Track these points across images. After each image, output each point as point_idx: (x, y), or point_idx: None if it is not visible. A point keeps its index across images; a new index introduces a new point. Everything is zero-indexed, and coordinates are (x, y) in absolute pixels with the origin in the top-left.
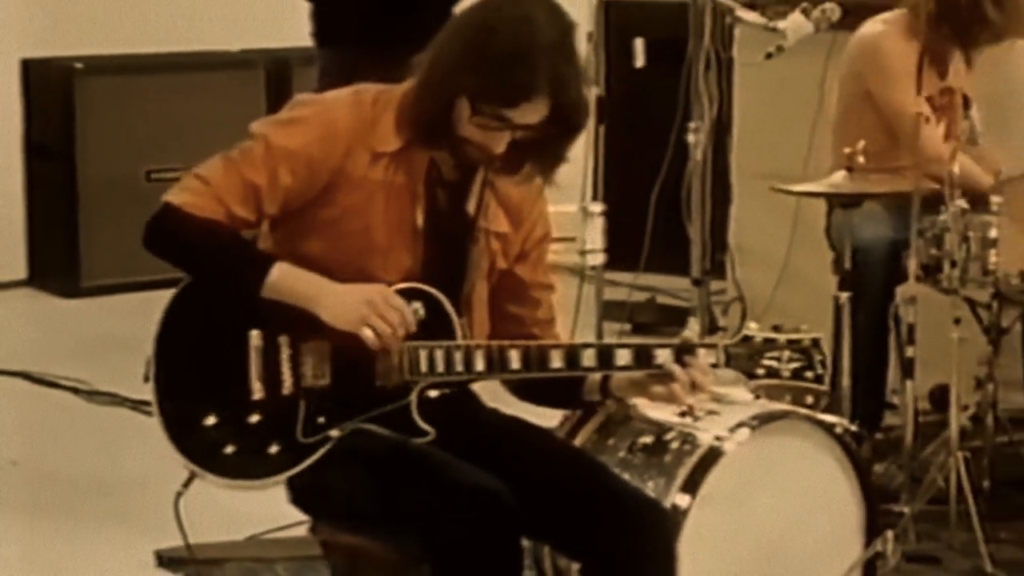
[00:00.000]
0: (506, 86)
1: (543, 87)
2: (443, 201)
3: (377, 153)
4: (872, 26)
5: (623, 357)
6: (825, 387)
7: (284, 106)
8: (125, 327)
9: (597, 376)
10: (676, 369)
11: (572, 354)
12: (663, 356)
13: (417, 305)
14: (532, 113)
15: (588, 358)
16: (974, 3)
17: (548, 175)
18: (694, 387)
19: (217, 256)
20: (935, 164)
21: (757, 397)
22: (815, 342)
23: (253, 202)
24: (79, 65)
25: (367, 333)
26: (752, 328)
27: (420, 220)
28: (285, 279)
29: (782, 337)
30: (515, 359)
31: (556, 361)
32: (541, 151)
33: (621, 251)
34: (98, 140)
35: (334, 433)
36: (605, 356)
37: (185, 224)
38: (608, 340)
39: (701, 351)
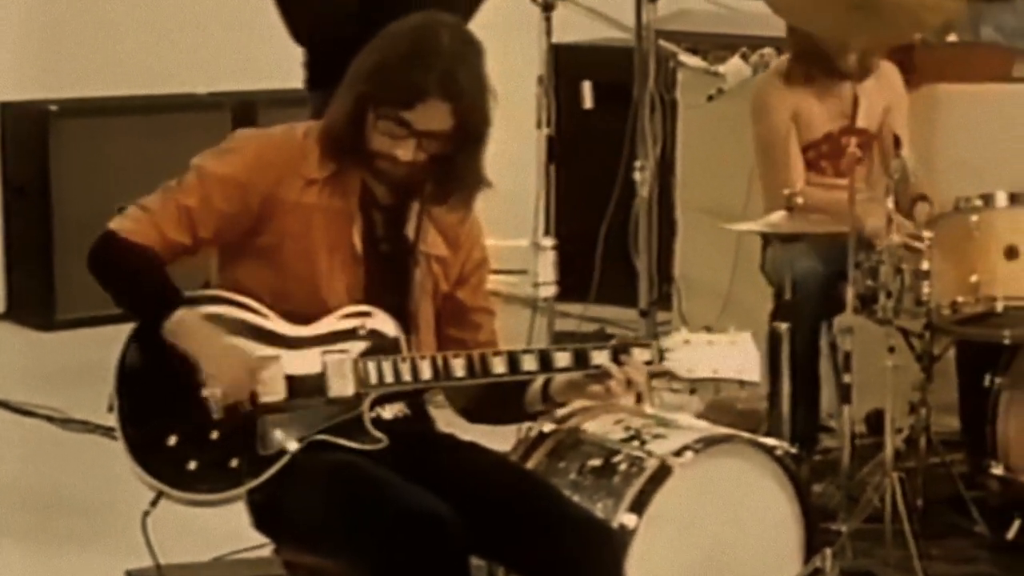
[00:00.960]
0: (401, 86)
1: (436, 88)
2: (380, 224)
3: (309, 179)
4: (762, 76)
5: (563, 359)
6: (755, 380)
7: None
8: (98, 358)
9: (538, 385)
10: (612, 367)
11: (513, 359)
12: (600, 357)
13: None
14: (431, 117)
15: (529, 362)
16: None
17: (470, 195)
18: (630, 384)
19: (133, 285)
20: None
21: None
22: (745, 340)
23: (187, 226)
24: (54, 108)
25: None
26: (685, 332)
27: (358, 242)
28: (179, 328)
29: (713, 337)
30: (459, 367)
31: (499, 367)
32: (451, 166)
33: (572, 283)
34: (72, 179)
35: (292, 446)
36: (545, 359)
37: (117, 249)
38: None
39: (636, 350)
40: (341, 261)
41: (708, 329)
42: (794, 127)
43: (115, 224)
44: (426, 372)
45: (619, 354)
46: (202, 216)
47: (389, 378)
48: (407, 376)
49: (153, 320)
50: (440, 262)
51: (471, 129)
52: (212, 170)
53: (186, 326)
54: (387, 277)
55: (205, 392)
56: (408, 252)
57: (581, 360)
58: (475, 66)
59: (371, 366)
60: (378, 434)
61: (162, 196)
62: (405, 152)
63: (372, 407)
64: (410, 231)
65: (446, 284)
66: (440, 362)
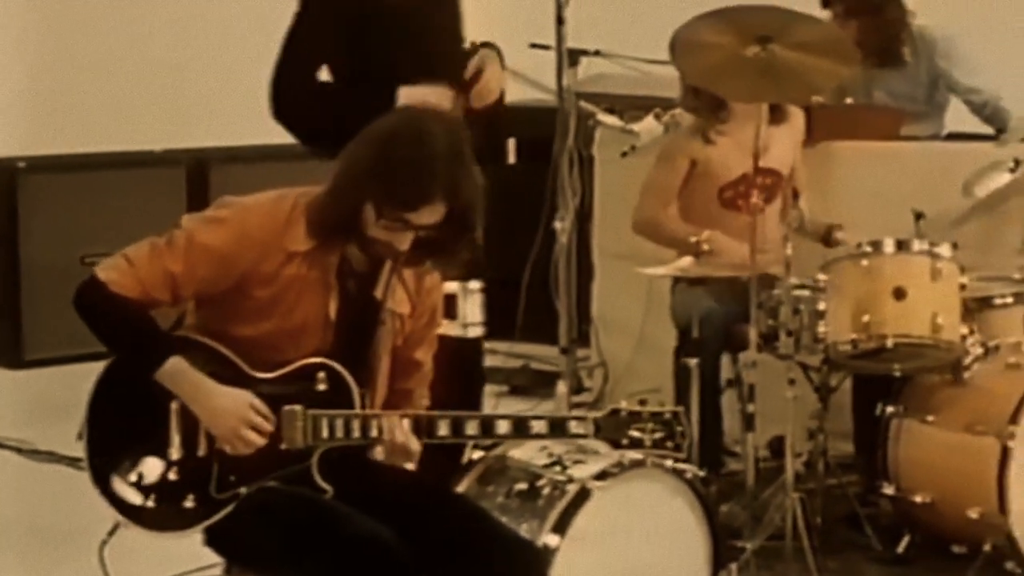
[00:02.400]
0: (406, 193)
1: (439, 192)
2: (354, 290)
3: (291, 253)
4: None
5: (503, 427)
6: (683, 455)
7: (209, 202)
8: (63, 395)
9: None
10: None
11: (457, 424)
12: (539, 426)
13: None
14: (431, 215)
15: (471, 427)
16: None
17: (449, 270)
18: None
19: (123, 334)
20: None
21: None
22: (675, 415)
23: (170, 288)
24: (22, 164)
25: (231, 447)
26: (621, 403)
27: (333, 311)
28: (174, 375)
29: (646, 410)
30: (404, 427)
31: (443, 429)
32: (441, 248)
33: (498, 323)
34: (39, 229)
35: (243, 490)
36: (487, 426)
37: (104, 298)
38: (488, 402)
39: (574, 423)
40: (313, 326)
41: (642, 402)
42: (692, 174)
43: (102, 274)
44: (374, 429)
45: (557, 425)
46: (185, 281)
47: (340, 434)
48: (356, 433)
49: (145, 366)
50: (402, 319)
51: (465, 220)
52: (199, 240)
53: (182, 376)
54: (353, 337)
55: (229, 447)
56: (376, 312)
57: (521, 428)
58: (469, 164)
59: (324, 421)
60: (324, 485)
61: (149, 253)
62: (403, 243)
63: None
64: (379, 291)
65: (400, 339)
66: (389, 423)
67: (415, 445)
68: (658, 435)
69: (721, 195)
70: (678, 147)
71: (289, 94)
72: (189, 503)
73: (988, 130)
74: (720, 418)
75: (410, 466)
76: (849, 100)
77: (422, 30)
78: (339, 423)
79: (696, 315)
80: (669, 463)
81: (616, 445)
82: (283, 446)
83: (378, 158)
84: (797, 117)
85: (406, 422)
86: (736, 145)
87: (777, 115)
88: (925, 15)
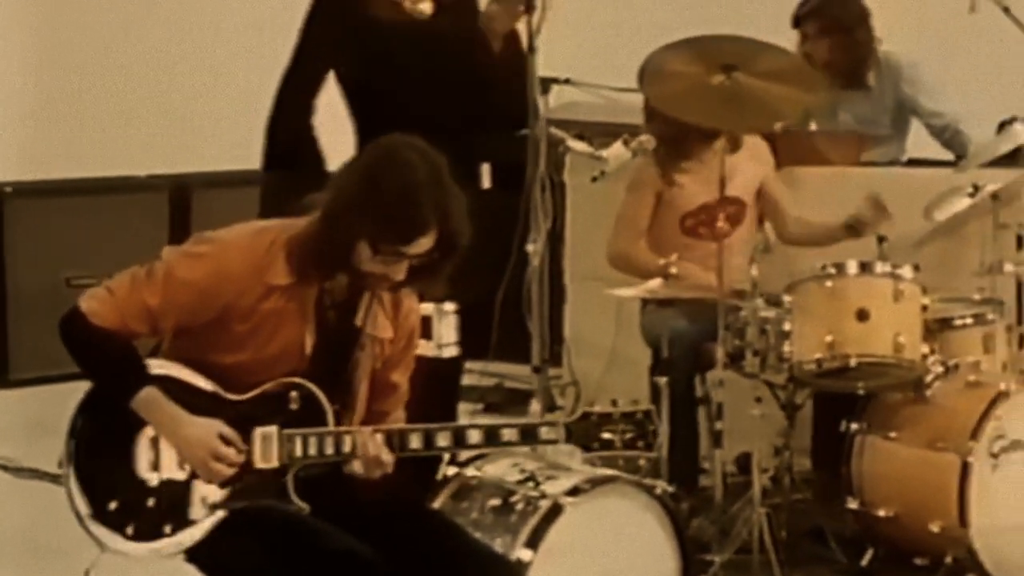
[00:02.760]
0: (401, 228)
1: (431, 220)
2: (333, 319)
3: (271, 287)
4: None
5: (474, 436)
6: (654, 453)
7: (191, 226)
8: (47, 413)
9: None
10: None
11: (429, 436)
12: (509, 434)
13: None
14: (425, 243)
15: (443, 438)
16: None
17: (434, 291)
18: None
19: (103, 364)
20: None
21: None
22: (647, 414)
23: (148, 321)
24: (8, 189)
25: (202, 476)
26: (593, 406)
27: (309, 344)
28: (148, 405)
29: (617, 411)
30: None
31: (415, 442)
32: (430, 271)
33: (472, 343)
34: (25, 252)
35: (221, 513)
36: (459, 436)
37: (85, 330)
38: (463, 419)
39: (543, 429)
40: (289, 355)
41: (614, 403)
42: (658, 205)
43: (84, 305)
44: (348, 446)
45: (528, 432)
46: (164, 314)
47: (313, 451)
48: (330, 450)
49: (120, 395)
50: (382, 344)
51: (453, 241)
52: (179, 274)
53: (155, 407)
54: (331, 362)
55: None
56: (355, 338)
57: (492, 437)
58: (451, 186)
59: (297, 440)
60: (301, 503)
61: (130, 286)
62: (399, 273)
63: None
64: (359, 318)
65: (380, 363)
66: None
67: (387, 456)
68: (629, 435)
69: (683, 223)
70: (643, 180)
71: (284, 140)
72: (168, 528)
73: (948, 156)
74: (696, 435)
75: (376, 476)
76: (814, 125)
77: (436, 58)
78: (312, 441)
79: (666, 335)
80: (640, 480)
81: (587, 448)
82: (258, 466)
83: (366, 196)
84: (761, 147)
85: (379, 436)
86: (697, 176)
87: (732, 144)
88: (890, 42)
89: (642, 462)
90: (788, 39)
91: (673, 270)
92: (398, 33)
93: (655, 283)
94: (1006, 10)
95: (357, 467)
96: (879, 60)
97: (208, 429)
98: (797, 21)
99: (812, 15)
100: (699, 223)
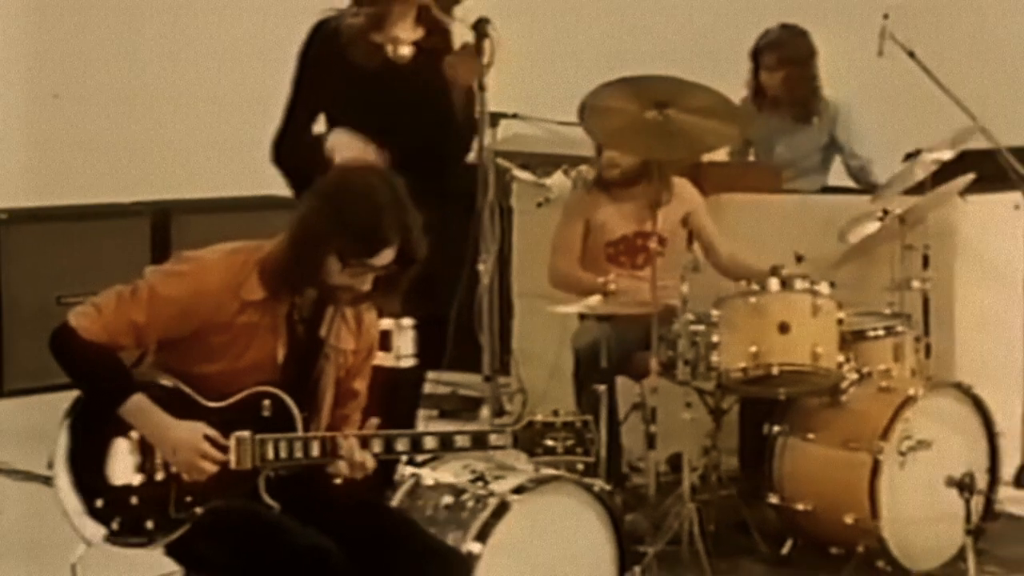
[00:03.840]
0: (368, 242)
1: (394, 236)
2: (301, 332)
3: (245, 302)
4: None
5: (430, 442)
6: (592, 459)
7: (171, 248)
8: (40, 420)
9: None
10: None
11: (389, 441)
12: (463, 440)
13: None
14: (388, 255)
15: (402, 443)
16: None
17: (392, 302)
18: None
19: (92, 375)
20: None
21: (537, 468)
22: (585, 423)
23: (133, 335)
24: (3, 216)
25: (187, 475)
26: (536, 416)
27: (281, 355)
28: (135, 412)
29: (559, 420)
30: (344, 446)
31: (376, 447)
32: (391, 284)
33: (428, 355)
34: (19, 272)
35: (198, 510)
36: (416, 441)
37: (74, 344)
38: (420, 424)
39: (493, 436)
40: (262, 365)
41: (555, 412)
42: (588, 231)
43: (73, 321)
44: (315, 450)
45: (479, 439)
46: (147, 329)
47: (284, 454)
48: (299, 454)
49: (109, 404)
50: (345, 355)
51: (412, 253)
52: (161, 292)
53: (142, 413)
54: (300, 371)
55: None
56: (318, 349)
57: (446, 443)
58: (409, 204)
59: (269, 444)
60: (271, 502)
61: (116, 303)
62: (365, 284)
63: None
64: (323, 331)
65: (343, 372)
66: (328, 442)
67: (371, 461)
68: (569, 442)
69: (606, 251)
70: (573, 208)
71: (288, 146)
72: (149, 524)
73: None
74: (619, 437)
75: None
76: (752, 155)
77: (414, 96)
78: (283, 445)
79: (604, 347)
80: (580, 479)
81: (532, 454)
82: (233, 467)
83: (334, 215)
84: (686, 188)
85: (354, 441)
86: (618, 210)
87: (663, 198)
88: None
89: (580, 466)
90: (715, 76)
91: (611, 287)
92: (380, 76)
93: (594, 299)
94: (911, 54)
95: (343, 468)
96: (823, 99)
97: (194, 431)
98: (755, 53)
99: (770, 47)
100: (618, 252)
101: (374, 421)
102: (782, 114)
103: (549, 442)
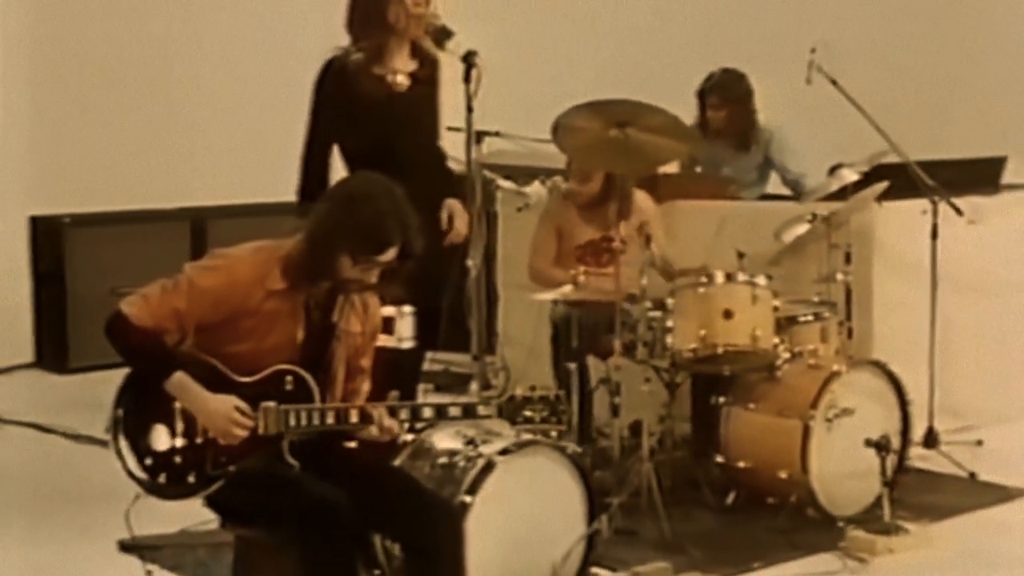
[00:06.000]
0: (376, 242)
1: (398, 236)
2: (317, 318)
3: (270, 291)
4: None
5: (428, 412)
6: (564, 427)
7: (207, 248)
8: (99, 393)
9: None
10: (380, 420)
11: (392, 411)
12: (454, 410)
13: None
14: (392, 253)
15: (404, 413)
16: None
17: (393, 290)
18: (387, 430)
19: (141, 355)
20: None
21: (518, 434)
22: (558, 397)
23: (176, 321)
24: (67, 220)
25: (222, 439)
26: (517, 391)
27: (300, 336)
28: (178, 387)
29: (536, 395)
30: (353, 415)
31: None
32: (394, 275)
33: (425, 337)
34: (79, 268)
35: (231, 468)
36: (416, 411)
37: (126, 328)
38: (419, 396)
39: (481, 407)
40: (284, 346)
41: (532, 388)
42: (560, 236)
43: (125, 308)
44: (330, 418)
45: (469, 409)
46: (187, 315)
47: (304, 422)
48: (316, 421)
49: (156, 379)
50: (353, 336)
51: (411, 249)
52: (198, 283)
53: (184, 387)
54: (316, 351)
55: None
56: (331, 332)
57: (440, 412)
58: (409, 208)
59: (291, 413)
60: (293, 461)
61: (160, 293)
62: (373, 277)
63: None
64: (335, 316)
65: (352, 351)
66: (342, 412)
67: (397, 426)
68: (545, 413)
69: (575, 252)
70: (548, 215)
71: (312, 189)
72: (191, 479)
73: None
74: (590, 407)
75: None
76: (699, 169)
77: (408, 122)
78: (303, 414)
79: (561, 313)
80: (555, 442)
81: (514, 422)
82: (260, 433)
83: (345, 220)
84: (642, 199)
85: (382, 409)
86: (586, 222)
87: (624, 212)
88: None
89: (554, 433)
90: (669, 101)
91: (581, 279)
92: (382, 103)
93: (567, 288)
94: (834, 82)
95: (375, 432)
96: (759, 128)
97: (227, 402)
98: (701, 94)
99: (714, 89)
100: (586, 253)
101: (394, 394)
102: (725, 143)
103: (528, 413)
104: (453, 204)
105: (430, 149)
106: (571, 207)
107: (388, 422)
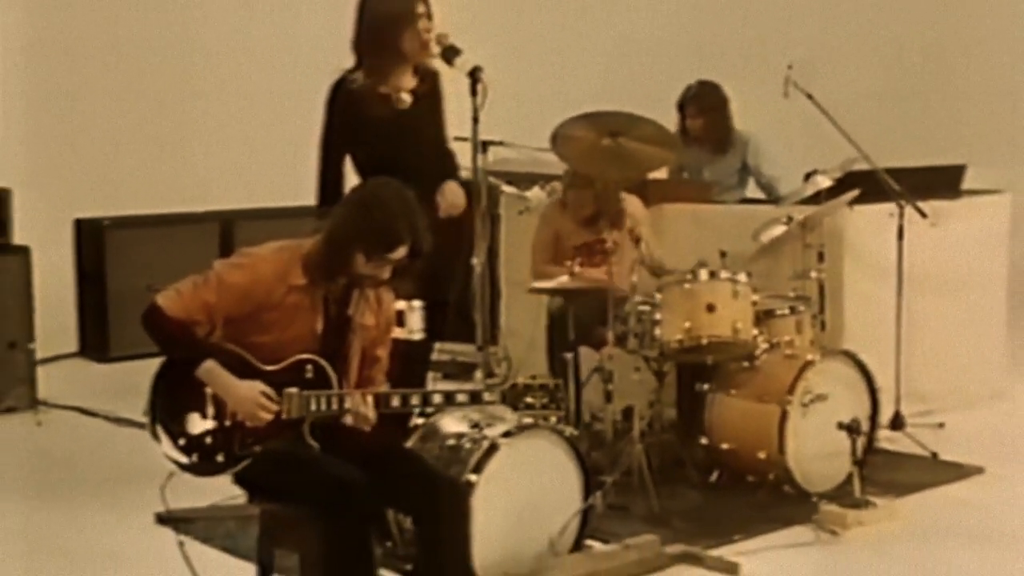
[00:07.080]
0: (388, 242)
1: (408, 236)
2: (334, 311)
3: (292, 286)
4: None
5: (436, 398)
6: (562, 412)
7: (234, 249)
8: (137, 380)
9: None
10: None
11: (405, 397)
12: (461, 397)
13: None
14: (403, 251)
15: (415, 399)
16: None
17: (403, 285)
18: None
19: (175, 344)
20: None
21: (519, 418)
22: (556, 386)
23: (206, 313)
24: (107, 222)
25: (249, 421)
26: (519, 379)
27: (319, 328)
28: (208, 374)
29: (535, 383)
30: (369, 400)
31: (395, 401)
32: (404, 271)
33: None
34: (119, 267)
35: (257, 448)
36: (426, 398)
37: (161, 320)
38: (428, 385)
39: (486, 394)
40: (305, 337)
41: (533, 377)
42: (557, 238)
43: (161, 301)
44: (348, 404)
45: (476, 395)
46: (216, 309)
47: (323, 407)
48: (335, 406)
49: (188, 367)
50: (368, 329)
51: (420, 247)
52: (227, 279)
53: (214, 375)
54: (334, 342)
55: (249, 422)
56: (347, 324)
57: (449, 399)
58: (419, 210)
59: (312, 398)
60: (313, 443)
61: (192, 287)
62: (385, 273)
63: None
64: (351, 309)
65: (368, 342)
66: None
67: (372, 414)
68: (544, 400)
69: (571, 252)
70: (546, 219)
71: (330, 193)
72: (220, 458)
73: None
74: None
75: (367, 428)
76: (685, 174)
77: (412, 135)
78: (322, 399)
79: (558, 304)
80: (553, 426)
81: (515, 408)
82: (284, 416)
83: (361, 221)
84: (633, 205)
85: (370, 398)
86: (576, 223)
87: (617, 222)
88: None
89: (552, 418)
90: (655, 112)
91: (576, 269)
92: (388, 120)
93: (564, 278)
94: (809, 96)
95: (349, 419)
96: (736, 133)
97: (253, 388)
98: (681, 105)
99: (693, 100)
100: (581, 253)
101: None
102: (704, 148)
103: (529, 399)
104: (448, 183)
105: (435, 155)
106: (568, 216)
107: (364, 409)
